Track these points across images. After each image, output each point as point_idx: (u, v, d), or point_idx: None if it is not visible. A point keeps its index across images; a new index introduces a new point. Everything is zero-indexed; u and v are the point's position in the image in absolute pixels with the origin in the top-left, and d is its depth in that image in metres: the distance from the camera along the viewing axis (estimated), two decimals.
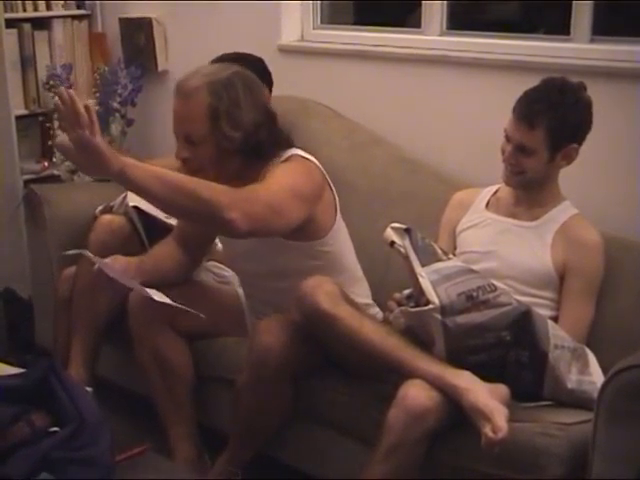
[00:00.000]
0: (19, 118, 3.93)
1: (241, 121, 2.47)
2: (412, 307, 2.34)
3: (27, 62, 3.96)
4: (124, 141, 3.98)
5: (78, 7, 4.18)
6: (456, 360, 2.29)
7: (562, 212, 2.64)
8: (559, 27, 3.06)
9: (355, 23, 3.88)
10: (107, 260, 2.62)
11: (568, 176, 2.60)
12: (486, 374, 2.25)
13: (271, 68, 3.15)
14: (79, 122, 2.12)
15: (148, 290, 2.54)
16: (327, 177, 2.62)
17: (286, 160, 2.54)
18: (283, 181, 2.43)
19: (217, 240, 2.98)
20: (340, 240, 2.71)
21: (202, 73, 2.51)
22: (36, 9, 4.01)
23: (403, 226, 2.34)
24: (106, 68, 4.02)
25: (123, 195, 3.17)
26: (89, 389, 2.84)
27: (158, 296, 2.55)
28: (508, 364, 2.31)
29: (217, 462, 2.69)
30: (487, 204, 2.76)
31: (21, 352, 3.68)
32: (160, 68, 4.08)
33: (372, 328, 2.37)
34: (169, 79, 4.07)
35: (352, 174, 2.69)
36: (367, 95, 3.45)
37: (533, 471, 2.17)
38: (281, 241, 2.54)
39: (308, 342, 2.46)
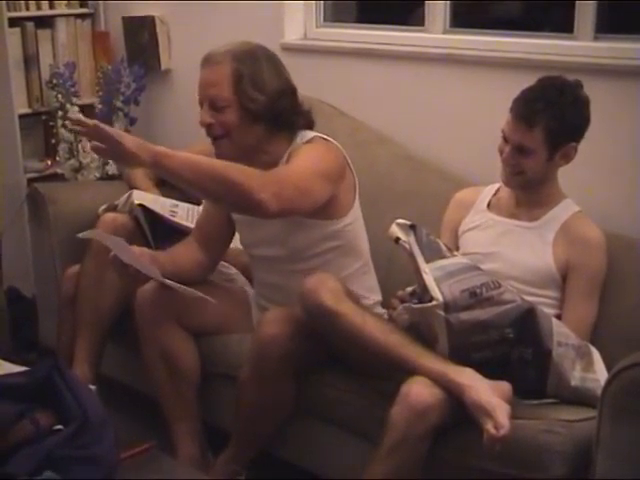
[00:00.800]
0: (22, 117, 3.94)
1: (264, 86, 2.58)
2: (415, 304, 2.34)
3: (30, 61, 3.97)
4: None
5: (81, 6, 4.19)
6: (459, 357, 2.29)
7: (563, 210, 2.63)
8: (563, 25, 3.06)
9: (358, 21, 3.88)
10: (121, 239, 2.62)
11: (571, 174, 2.60)
12: (489, 371, 2.25)
13: None
14: (102, 139, 2.27)
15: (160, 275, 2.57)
16: (348, 159, 2.68)
17: (308, 142, 2.62)
18: (308, 162, 2.52)
19: None
20: (358, 223, 2.76)
21: (227, 46, 2.63)
22: (39, 8, 4.02)
23: (408, 222, 2.34)
24: (109, 67, 4.02)
25: (128, 193, 3.17)
26: (93, 387, 2.86)
27: (169, 281, 2.57)
28: (512, 361, 2.31)
29: (219, 460, 2.70)
30: (488, 204, 2.75)
31: (25, 351, 3.69)
32: (163, 67, 4.08)
33: (375, 325, 2.37)
34: (172, 78, 4.08)
35: (356, 172, 2.70)
36: (371, 93, 3.45)
37: (536, 469, 2.17)
38: (303, 221, 2.59)
39: (311, 338, 2.47)
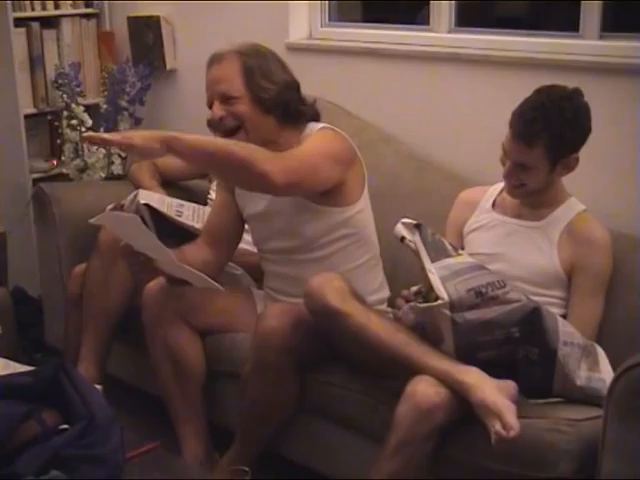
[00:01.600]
0: (28, 117, 3.94)
1: (273, 77, 2.65)
2: (421, 303, 2.34)
3: (36, 61, 3.97)
4: None
5: (86, 6, 4.20)
6: (465, 356, 2.29)
7: (568, 210, 2.63)
8: (568, 24, 3.06)
9: (363, 21, 3.88)
10: (136, 217, 2.62)
11: (576, 173, 2.59)
12: (495, 370, 2.25)
13: None
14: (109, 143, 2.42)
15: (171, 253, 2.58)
16: (357, 150, 2.71)
17: (318, 131, 2.67)
18: (317, 143, 2.60)
19: None
20: (368, 212, 2.79)
21: (230, 46, 2.69)
22: (45, 8, 4.02)
23: (413, 221, 2.35)
24: (114, 67, 4.03)
25: (134, 193, 3.17)
26: (99, 387, 2.86)
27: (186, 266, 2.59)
28: (517, 361, 2.31)
29: (224, 458, 2.70)
30: (493, 204, 2.75)
31: (31, 351, 3.69)
32: (168, 66, 4.09)
33: (380, 324, 2.37)
34: (177, 77, 4.08)
35: None
36: (376, 93, 3.45)
37: (542, 467, 2.16)
38: (315, 209, 2.64)
39: (313, 332, 2.47)
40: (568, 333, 2.34)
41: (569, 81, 2.56)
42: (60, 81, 3.92)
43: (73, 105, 3.87)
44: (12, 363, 2.46)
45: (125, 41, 4.18)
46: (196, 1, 3.92)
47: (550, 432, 2.18)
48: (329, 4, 3.72)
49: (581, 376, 2.33)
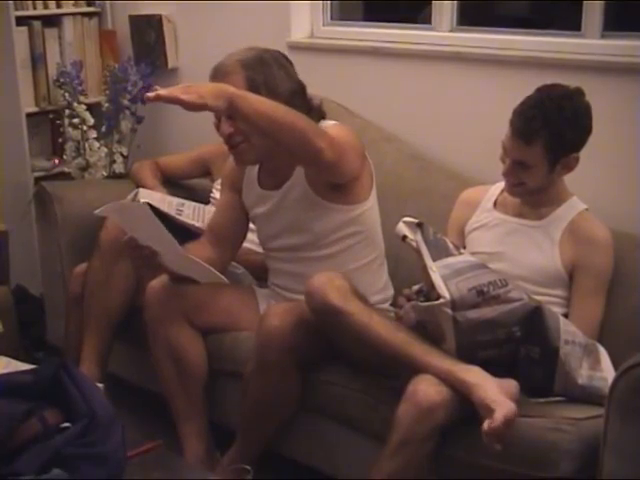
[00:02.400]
0: (30, 115, 3.94)
1: (278, 89, 2.59)
2: (422, 302, 2.34)
3: (37, 60, 3.97)
4: (134, 138, 3.99)
5: (88, 4, 4.19)
6: (466, 355, 2.29)
7: (569, 209, 2.63)
8: (570, 23, 3.06)
9: (365, 20, 3.88)
10: (145, 205, 2.61)
11: (578, 172, 2.59)
12: (496, 369, 2.25)
13: None
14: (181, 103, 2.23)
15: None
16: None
17: (332, 126, 2.65)
18: (338, 132, 2.57)
19: None
20: (376, 209, 2.79)
21: (233, 55, 2.63)
22: (46, 7, 4.02)
23: (415, 220, 2.35)
24: (116, 65, 4.02)
25: (135, 192, 3.17)
26: (100, 385, 2.86)
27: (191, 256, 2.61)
28: (519, 360, 2.31)
29: (225, 457, 2.70)
30: (495, 203, 2.75)
31: (32, 349, 3.70)
32: (170, 65, 4.08)
33: (381, 323, 2.37)
34: (179, 76, 4.08)
35: None
36: (377, 92, 3.45)
37: (544, 466, 2.17)
38: (324, 205, 2.64)
39: (315, 331, 2.47)
40: (570, 332, 2.34)
41: (571, 80, 2.56)
42: (62, 80, 3.92)
43: (75, 104, 3.87)
44: (13, 361, 2.46)
45: (127, 40, 4.18)
46: (198, 0, 3.92)
47: (551, 431, 2.18)
48: (331, 3, 3.72)
49: (582, 375, 2.33)
